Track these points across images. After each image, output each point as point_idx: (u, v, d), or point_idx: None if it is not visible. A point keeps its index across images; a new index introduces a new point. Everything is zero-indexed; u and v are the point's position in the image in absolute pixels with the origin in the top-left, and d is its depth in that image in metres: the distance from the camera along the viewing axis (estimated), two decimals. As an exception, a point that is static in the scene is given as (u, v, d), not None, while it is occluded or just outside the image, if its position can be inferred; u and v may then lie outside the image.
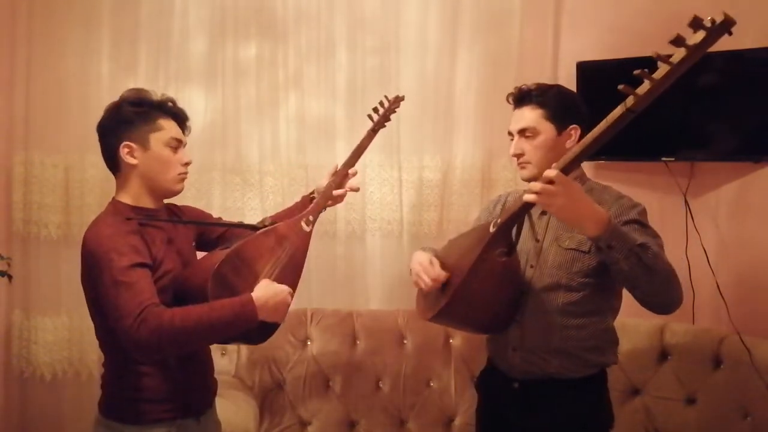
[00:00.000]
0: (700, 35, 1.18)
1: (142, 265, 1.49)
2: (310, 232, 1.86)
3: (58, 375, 2.80)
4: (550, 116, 1.71)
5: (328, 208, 2.76)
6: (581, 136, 1.67)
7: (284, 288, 1.60)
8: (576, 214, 1.45)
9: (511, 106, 1.80)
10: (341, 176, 1.98)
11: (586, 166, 2.60)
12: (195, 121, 2.75)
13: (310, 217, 1.87)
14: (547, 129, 1.70)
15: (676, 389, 2.29)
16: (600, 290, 1.67)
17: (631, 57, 2.43)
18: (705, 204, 2.52)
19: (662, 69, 1.24)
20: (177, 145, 1.63)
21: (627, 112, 1.31)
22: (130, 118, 1.59)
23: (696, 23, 1.16)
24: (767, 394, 2.05)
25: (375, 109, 2.11)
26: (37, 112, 2.74)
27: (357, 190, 2.04)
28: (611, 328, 1.73)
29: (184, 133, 1.69)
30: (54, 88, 2.74)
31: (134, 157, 1.59)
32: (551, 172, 1.41)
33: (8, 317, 2.81)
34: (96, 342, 1.63)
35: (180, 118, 1.67)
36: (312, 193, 2.03)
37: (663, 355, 2.36)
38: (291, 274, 1.66)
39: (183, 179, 1.66)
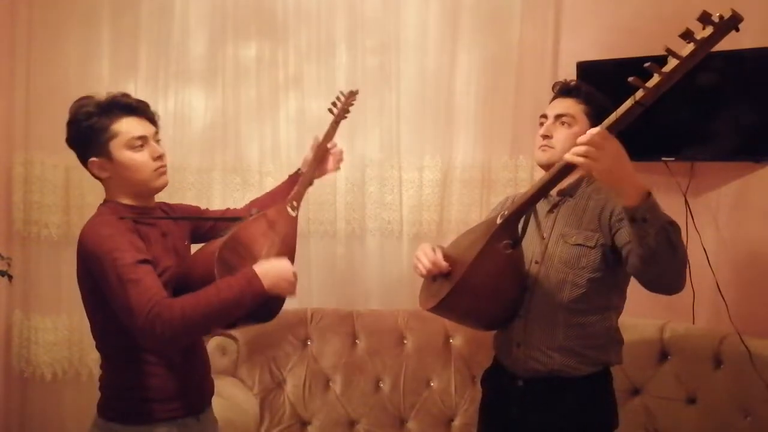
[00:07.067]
0: (708, 30, 1.19)
1: (145, 261, 1.49)
2: (296, 216, 1.89)
3: (58, 375, 2.80)
4: (591, 114, 1.73)
5: (327, 204, 2.79)
6: None
7: (283, 260, 1.60)
8: (619, 178, 1.37)
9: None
10: (322, 151, 2.03)
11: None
12: (195, 121, 2.81)
13: (294, 203, 1.90)
14: (584, 124, 1.72)
15: (676, 389, 2.29)
16: (605, 287, 1.68)
17: (631, 57, 2.43)
18: (705, 204, 2.52)
19: (671, 63, 1.26)
20: (140, 143, 1.56)
21: (636, 105, 1.32)
22: (84, 133, 1.55)
23: (704, 18, 1.19)
24: (767, 394, 2.05)
25: (333, 103, 2.15)
26: (37, 112, 2.74)
27: (339, 164, 2.08)
28: (615, 328, 1.73)
29: (155, 123, 1.62)
30: (54, 88, 2.74)
31: (104, 170, 1.57)
32: (595, 130, 1.34)
33: (8, 317, 2.82)
34: (96, 342, 1.63)
35: (138, 111, 1.58)
36: (298, 170, 2.06)
37: (663, 355, 2.36)
38: (286, 257, 1.68)
39: (162, 173, 1.60)
